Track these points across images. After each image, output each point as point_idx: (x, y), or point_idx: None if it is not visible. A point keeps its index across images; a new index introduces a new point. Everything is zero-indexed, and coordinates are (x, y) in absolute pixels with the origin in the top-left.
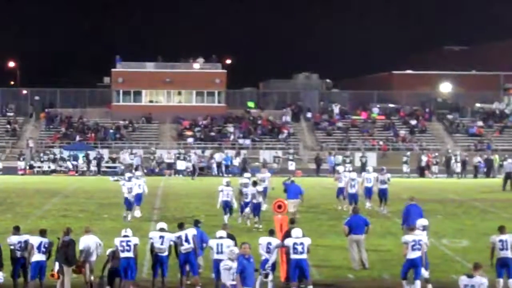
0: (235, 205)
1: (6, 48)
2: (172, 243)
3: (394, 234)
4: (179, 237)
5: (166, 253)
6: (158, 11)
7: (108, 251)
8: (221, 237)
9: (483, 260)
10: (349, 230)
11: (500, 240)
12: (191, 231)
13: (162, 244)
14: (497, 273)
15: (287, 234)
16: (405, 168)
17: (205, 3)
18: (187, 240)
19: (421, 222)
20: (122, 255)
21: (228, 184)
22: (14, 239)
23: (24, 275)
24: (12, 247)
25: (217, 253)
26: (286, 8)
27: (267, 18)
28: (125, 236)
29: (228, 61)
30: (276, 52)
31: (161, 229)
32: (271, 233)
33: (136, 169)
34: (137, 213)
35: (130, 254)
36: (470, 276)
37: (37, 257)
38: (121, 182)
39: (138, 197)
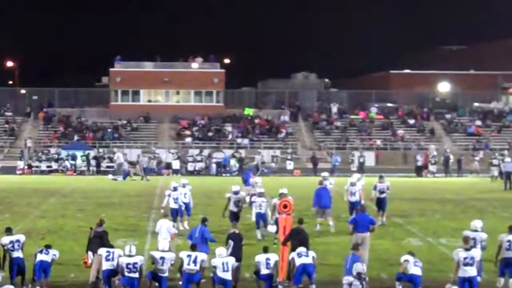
0: (269, 217)
1: (5, 47)
2: (172, 262)
3: (391, 233)
4: (188, 256)
5: (166, 274)
6: (156, 11)
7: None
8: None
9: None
10: (354, 228)
11: (508, 241)
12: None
13: (162, 264)
14: (500, 272)
15: (291, 234)
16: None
17: (204, 3)
18: (195, 262)
19: (478, 224)
20: (127, 274)
21: (261, 195)
22: (5, 239)
23: (21, 275)
24: (5, 247)
25: (223, 270)
26: (285, 8)
27: (266, 17)
28: (130, 256)
29: (227, 61)
30: (274, 52)
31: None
32: (266, 250)
33: (145, 170)
34: (186, 224)
35: (136, 275)
36: (467, 249)
37: (40, 257)
38: (166, 192)
39: (187, 207)
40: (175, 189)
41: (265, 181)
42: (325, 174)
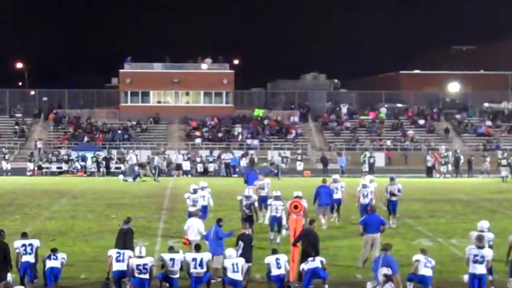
0: (284, 221)
1: (14, 49)
2: (182, 263)
3: (402, 234)
4: (194, 259)
5: (177, 275)
6: (166, 12)
7: (109, 252)
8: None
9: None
10: (364, 229)
11: None
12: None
13: (173, 266)
14: (510, 272)
15: (302, 235)
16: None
17: (213, 4)
18: (201, 265)
19: (484, 224)
20: (137, 275)
21: (277, 198)
22: (18, 243)
23: (29, 278)
24: (17, 250)
25: (233, 271)
26: (295, 7)
27: (275, 18)
28: (140, 257)
29: (236, 62)
30: (284, 52)
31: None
32: (275, 251)
33: (154, 169)
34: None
35: (146, 276)
36: (480, 247)
37: (50, 263)
38: (186, 195)
39: (204, 210)
40: (194, 191)
41: (276, 183)
42: (336, 176)
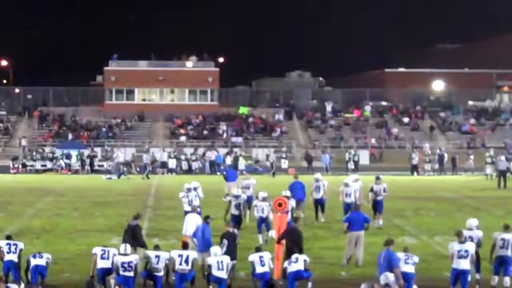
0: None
1: None
2: (167, 261)
3: (386, 232)
4: (180, 256)
5: (161, 273)
6: (151, 9)
7: (94, 249)
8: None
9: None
10: (348, 227)
11: (502, 239)
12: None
13: (158, 263)
14: (494, 270)
15: (285, 233)
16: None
17: (198, 2)
18: (186, 261)
19: (473, 222)
20: (122, 273)
21: (264, 199)
22: (2, 242)
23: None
24: (1, 249)
25: (218, 269)
26: (280, 6)
27: (260, 16)
28: (125, 254)
29: (221, 60)
30: (269, 51)
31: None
32: (258, 249)
33: (144, 167)
34: None
35: (131, 274)
36: (461, 242)
37: (35, 261)
38: (181, 194)
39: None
40: (188, 190)
41: (260, 181)
42: (318, 176)
